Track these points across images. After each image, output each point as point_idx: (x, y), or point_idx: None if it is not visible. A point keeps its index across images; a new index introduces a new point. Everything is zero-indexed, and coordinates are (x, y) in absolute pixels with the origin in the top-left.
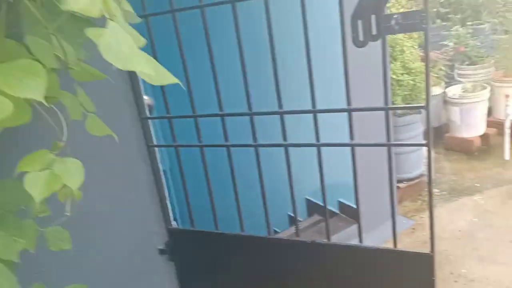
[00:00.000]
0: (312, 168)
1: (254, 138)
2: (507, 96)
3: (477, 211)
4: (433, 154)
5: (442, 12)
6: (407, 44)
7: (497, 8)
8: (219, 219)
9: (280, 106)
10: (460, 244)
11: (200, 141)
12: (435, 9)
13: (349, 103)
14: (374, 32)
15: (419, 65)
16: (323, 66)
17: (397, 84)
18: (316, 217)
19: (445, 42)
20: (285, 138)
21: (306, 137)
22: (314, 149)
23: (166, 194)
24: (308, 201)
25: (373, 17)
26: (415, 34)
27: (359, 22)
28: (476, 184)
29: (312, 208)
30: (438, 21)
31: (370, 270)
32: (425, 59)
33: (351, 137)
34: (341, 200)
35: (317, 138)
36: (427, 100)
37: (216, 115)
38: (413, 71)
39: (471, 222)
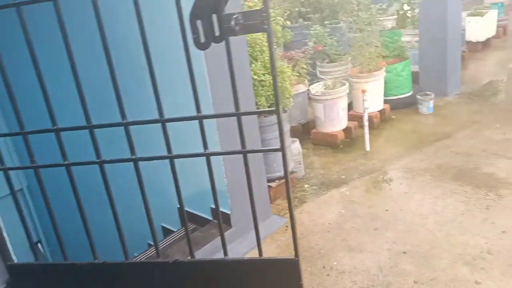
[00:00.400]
0: (183, 176)
1: (98, 155)
2: (363, 91)
3: (344, 202)
4: (302, 149)
5: (303, 12)
6: (266, 44)
7: (352, 7)
8: (82, 246)
9: (124, 117)
10: (330, 236)
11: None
12: (296, 9)
13: (198, 110)
14: (217, 33)
15: (280, 66)
16: (178, 70)
17: (259, 85)
18: (190, 226)
19: (306, 41)
20: (133, 152)
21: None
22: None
23: (2, 226)
24: (180, 210)
25: (214, 16)
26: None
27: (199, 22)
28: (342, 176)
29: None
30: (300, 20)
31: (237, 283)
32: (271, 63)
33: (205, 146)
34: (214, 206)
35: (169, 150)
36: (277, 104)
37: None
38: None
39: (339, 213)
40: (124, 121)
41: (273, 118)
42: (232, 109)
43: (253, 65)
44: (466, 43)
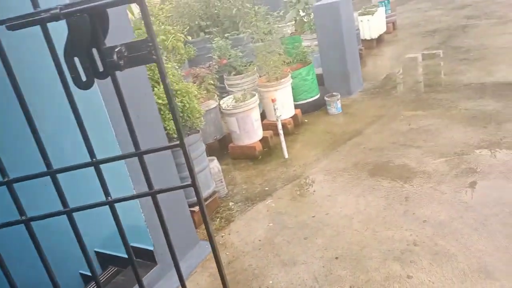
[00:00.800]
0: (99, 218)
1: None
2: (273, 100)
3: (271, 215)
4: (222, 166)
5: (203, 26)
6: (168, 66)
7: (251, 18)
8: None
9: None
10: (262, 254)
11: None
12: (196, 22)
13: (91, 155)
14: (101, 68)
15: (184, 86)
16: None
17: (165, 108)
18: (111, 269)
19: (211, 55)
20: (22, 212)
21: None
22: (96, 198)
23: None
24: (98, 253)
25: (95, 51)
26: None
27: (76, 60)
28: (265, 188)
29: (105, 260)
30: (202, 34)
31: None
32: (166, 95)
33: (106, 194)
34: (135, 244)
35: (64, 203)
36: (181, 139)
37: None
38: (179, 92)
39: (268, 228)
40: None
41: (188, 140)
42: (143, 144)
43: (156, 89)
44: (362, 41)
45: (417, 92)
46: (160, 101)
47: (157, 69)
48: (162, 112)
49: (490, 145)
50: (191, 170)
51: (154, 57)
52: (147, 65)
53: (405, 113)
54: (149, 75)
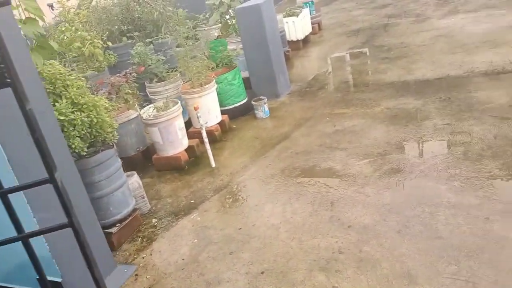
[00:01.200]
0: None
1: None
2: (195, 108)
3: (196, 230)
4: (146, 179)
5: (126, 30)
6: (71, 77)
7: (173, 23)
8: None
9: None
10: (185, 274)
11: None
12: (116, 27)
13: None
14: None
15: (91, 99)
16: None
17: (69, 125)
18: None
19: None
20: None
21: None
22: None
23: None
24: None
25: None
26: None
27: None
28: (191, 201)
29: None
30: (124, 39)
31: None
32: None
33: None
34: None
35: None
36: (50, 172)
37: None
38: (85, 106)
39: (193, 244)
40: None
41: (99, 156)
42: (44, 172)
43: (57, 104)
44: (288, 43)
45: (343, 92)
46: (62, 117)
47: (57, 81)
48: (65, 130)
49: (411, 144)
50: (67, 208)
51: (8, 80)
52: (47, 78)
53: (331, 115)
54: (49, 89)
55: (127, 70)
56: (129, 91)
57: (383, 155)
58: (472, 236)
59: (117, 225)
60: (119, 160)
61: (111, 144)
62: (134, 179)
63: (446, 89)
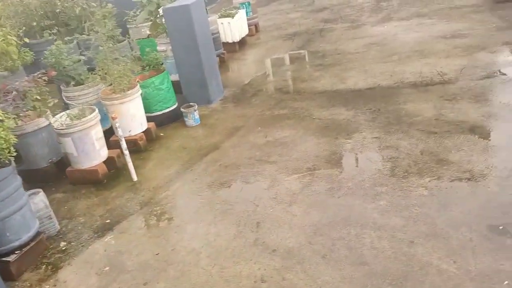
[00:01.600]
0: None
1: None
2: (113, 118)
3: (109, 256)
4: (59, 194)
5: (46, 26)
6: None
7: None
8: None
9: None
10: None
11: None
12: (34, 23)
13: None
14: None
15: None
16: None
17: None
18: None
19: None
20: None
21: None
22: None
23: None
24: None
25: None
26: None
27: None
28: (107, 220)
29: None
30: (46, 34)
31: None
32: None
33: None
34: None
35: None
36: None
37: None
38: None
39: (103, 274)
40: None
41: (3, 171)
42: None
43: None
44: (223, 44)
45: (276, 100)
46: None
47: None
48: None
49: (340, 159)
50: None
51: None
52: None
53: (264, 124)
54: None
55: (35, 74)
56: (38, 97)
57: (312, 170)
58: (396, 262)
59: (16, 252)
60: (19, 178)
61: (7, 161)
62: (40, 198)
63: (377, 99)
